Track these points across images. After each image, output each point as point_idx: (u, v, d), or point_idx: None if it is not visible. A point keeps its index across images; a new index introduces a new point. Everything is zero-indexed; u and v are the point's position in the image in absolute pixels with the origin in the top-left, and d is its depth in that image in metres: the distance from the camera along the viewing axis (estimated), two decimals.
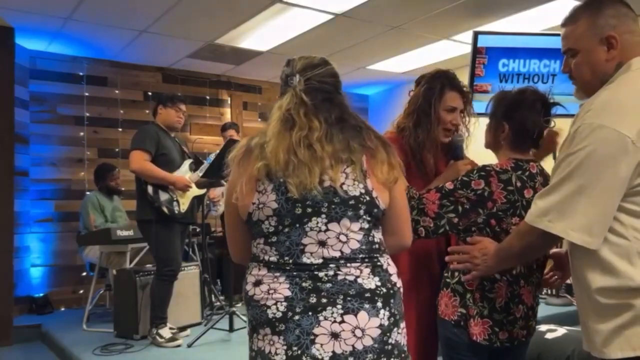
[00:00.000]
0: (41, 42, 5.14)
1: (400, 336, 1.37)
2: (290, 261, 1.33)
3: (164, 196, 3.72)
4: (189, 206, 3.88)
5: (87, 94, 5.65)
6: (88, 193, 5.02)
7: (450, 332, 1.76)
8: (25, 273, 5.15)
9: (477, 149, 2.09)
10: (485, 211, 1.69)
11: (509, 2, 4.29)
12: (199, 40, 5.13)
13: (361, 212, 1.35)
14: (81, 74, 5.63)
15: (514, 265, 1.72)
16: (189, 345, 3.62)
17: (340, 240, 1.33)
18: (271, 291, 1.32)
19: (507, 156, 1.78)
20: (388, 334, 1.33)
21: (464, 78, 4.24)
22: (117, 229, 4.31)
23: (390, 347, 1.33)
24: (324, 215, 1.33)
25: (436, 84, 2.09)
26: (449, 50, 5.46)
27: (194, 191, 3.95)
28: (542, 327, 2.67)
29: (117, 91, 5.83)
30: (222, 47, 5.31)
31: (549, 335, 2.57)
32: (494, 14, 4.53)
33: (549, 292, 4.61)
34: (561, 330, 2.61)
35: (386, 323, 1.33)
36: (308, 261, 1.32)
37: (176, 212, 3.75)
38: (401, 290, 1.42)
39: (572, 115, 1.41)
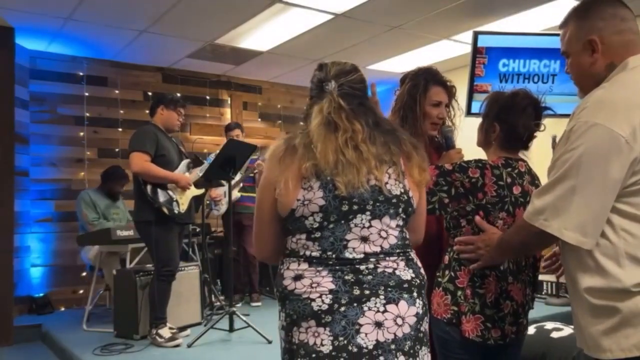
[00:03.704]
0: (41, 42, 5.14)
1: (427, 325, 1.47)
2: (333, 256, 1.38)
3: (163, 196, 3.73)
4: (187, 206, 3.89)
5: (87, 94, 5.65)
6: (81, 192, 5.02)
7: (443, 330, 1.79)
8: (25, 273, 5.15)
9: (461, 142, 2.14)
10: (475, 201, 1.74)
11: (509, 2, 4.29)
12: (199, 40, 5.13)
13: (400, 210, 1.44)
14: (81, 74, 5.63)
15: (516, 258, 1.77)
16: (189, 345, 3.62)
17: (381, 236, 1.41)
18: (314, 285, 1.37)
19: (497, 155, 1.84)
20: (421, 322, 1.43)
21: (464, 78, 4.26)
22: (117, 229, 4.31)
23: (422, 334, 1.43)
24: (368, 213, 1.40)
25: (420, 80, 2.14)
26: (449, 50, 5.46)
27: (193, 191, 3.96)
28: (548, 325, 2.64)
29: (117, 91, 5.83)
30: (222, 47, 5.31)
31: (554, 334, 2.54)
32: (494, 14, 4.52)
33: (549, 292, 4.61)
34: (567, 330, 2.57)
35: (421, 312, 1.42)
36: (350, 256, 1.38)
37: (176, 212, 3.76)
38: (427, 283, 1.51)
39: (567, 116, 1.41)
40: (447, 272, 1.81)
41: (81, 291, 5.39)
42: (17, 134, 4.89)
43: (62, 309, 5.30)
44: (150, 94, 5.94)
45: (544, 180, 1.50)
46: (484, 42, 4.23)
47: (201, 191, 4.14)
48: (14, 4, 4.21)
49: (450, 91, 2.19)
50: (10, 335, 4.50)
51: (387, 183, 1.42)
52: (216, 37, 5.03)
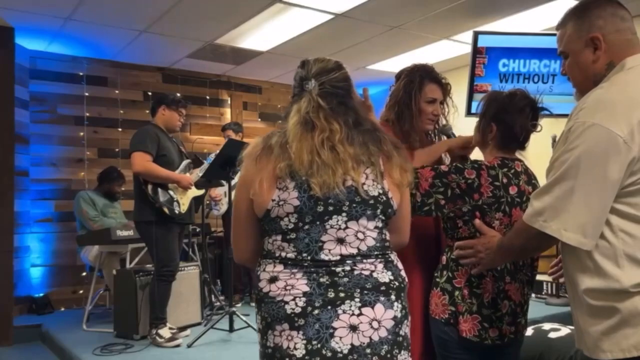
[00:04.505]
0: (41, 42, 5.14)
1: (408, 329, 1.44)
2: (309, 258, 1.35)
3: (163, 196, 3.73)
4: (188, 206, 3.89)
5: (87, 94, 5.66)
6: (79, 192, 5.02)
7: (441, 330, 1.79)
8: (25, 273, 5.15)
9: None
10: (471, 201, 1.74)
11: (509, 2, 4.29)
12: (199, 40, 5.13)
13: (378, 211, 1.40)
14: (81, 74, 5.64)
15: (518, 260, 1.77)
16: (189, 345, 3.62)
17: (358, 238, 1.38)
18: (288, 287, 1.34)
19: (493, 155, 1.84)
20: (400, 326, 1.39)
21: (464, 78, 4.27)
22: (117, 229, 4.31)
23: (401, 338, 1.39)
24: (344, 214, 1.37)
25: (415, 76, 2.16)
26: (449, 50, 5.46)
27: (194, 191, 3.97)
28: (546, 326, 2.65)
29: (117, 91, 5.83)
30: (222, 47, 5.31)
31: (552, 335, 2.54)
32: (494, 14, 4.53)
33: (549, 292, 4.61)
34: (565, 330, 2.57)
35: (399, 315, 1.38)
36: (326, 258, 1.35)
37: (177, 212, 3.76)
38: (407, 285, 1.47)
39: (566, 116, 1.41)
40: (444, 272, 1.81)
41: (81, 291, 5.39)
42: (17, 134, 4.89)
43: (62, 309, 5.30)
44: (150, 94, 5.94)
45: (542, 180, 1.49)
46: (484, 42, 4.23)
47: (201, 191, 4.15)
48: (14, 4, 4.20)
49: (445, 88, 2.21)
50: (10, 335, 4.50)
51: (364, 184, 1.38)
52: (216, 37, 5.03)
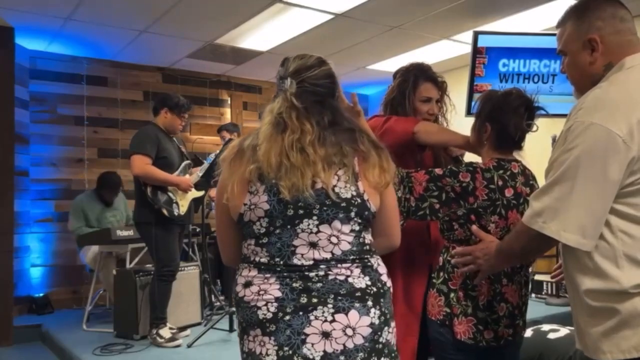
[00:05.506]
0: (41, 42, 5.14)
1: (390, 335, 1.38)
2: (281, 262, 1.33)
3: (162, 198, 3.73)
4: (187, 207, 3.90)
5: (87, 94, 5.65)
6: (76, 197, 4.98)
7: (437, 331, 1.79)
8: (25, 273, 5.15)
9: None
10: (466, 205, 1.73)
11: (509, 2, 4.29)
12: (199, 40, 5.13)
13: (352, 214, 1.35)
14: (81, 74, 5.63)
15: (518, 264, 1.76)
16: (189, 345, 3.62)
17: (331, 242, 1.34)
18: (261, 292, 1.33)
19: (489, 156, 1.82)
20: (379, 333, 1.34)
21: (464, 78, 4.27)
22: (117, 229, 4.31)
23: (380, 346, 1.34)
24: (315, 217, 1.33)
25: (409, 76, 2.16)
26: (449, 50, 5.46)
27: (193, 193, 3.97)
28: (545, 327, 2.65)
29: (117, 91, 5.83)
30: (222, 47, 5.31)
31: (551, 335, 2.55)
32: (494, 14, 4.52)
33: (549, 292, 4.61)
34: (564, 331, 2.58)
35: (377, 322, 1.33)
36: (299, 262, 1.32)
37: (176, 213, 3.76)
38: (391, 290, 1.43)
39: (565, 116, 1.40)
40: (441, 273, 1.81)
41: (81, 291, 5.39)
42: (17, 134, 4.89)
43: (62, 309, 5.29)
44: (150, 93, 5.94)
45: (541, 180, 1.49)
46: (484, 42, 4.23)
47: (201, 193, 4.15)
48: (14, 4, 4.20)
49: (441, 87, 2.20)
50: (10, 335, 4.50)
51: (335, 186, 1.33)
52: (216, 37, 5.02)
